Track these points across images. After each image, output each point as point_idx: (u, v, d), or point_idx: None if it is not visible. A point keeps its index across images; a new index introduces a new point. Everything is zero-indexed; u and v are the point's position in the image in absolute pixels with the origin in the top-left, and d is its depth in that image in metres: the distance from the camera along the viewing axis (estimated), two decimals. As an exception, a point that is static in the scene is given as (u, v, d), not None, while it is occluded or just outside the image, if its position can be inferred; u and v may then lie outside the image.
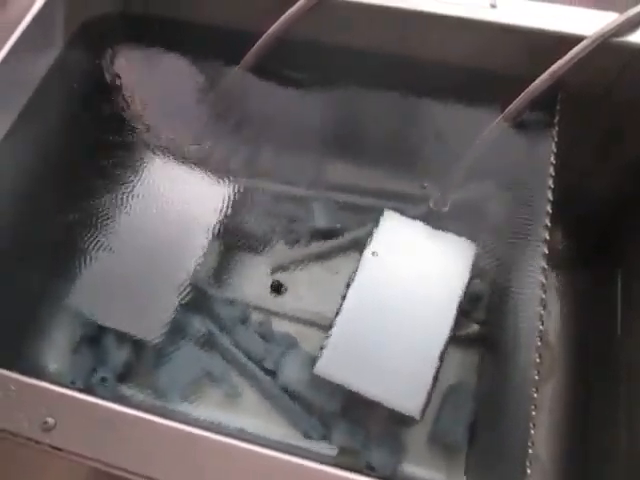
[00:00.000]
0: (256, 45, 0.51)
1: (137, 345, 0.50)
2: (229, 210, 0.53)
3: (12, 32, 0.48)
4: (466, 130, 0.52)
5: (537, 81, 0.46)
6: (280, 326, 0.53)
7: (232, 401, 0.50)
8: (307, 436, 0.48)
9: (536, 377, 0.38)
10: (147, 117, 0.57)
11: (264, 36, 0.51)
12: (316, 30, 0.50)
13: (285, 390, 0.49)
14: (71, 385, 0.49)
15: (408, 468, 0.48)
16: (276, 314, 0.54)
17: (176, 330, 0.50)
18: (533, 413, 0.37)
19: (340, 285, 0.50)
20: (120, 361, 0.50)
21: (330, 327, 0.47)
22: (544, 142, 0.46)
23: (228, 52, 0.53)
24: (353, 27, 0.50)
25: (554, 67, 0.45)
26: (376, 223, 0.52)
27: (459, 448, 0.48)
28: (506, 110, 0.48)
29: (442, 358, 0.46)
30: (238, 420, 0.49)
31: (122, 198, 0.53)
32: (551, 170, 0.44)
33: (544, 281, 0.41)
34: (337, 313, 0.48)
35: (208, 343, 0.51)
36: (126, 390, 0.50)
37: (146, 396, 0.49)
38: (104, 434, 0.34)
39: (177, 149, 0.56)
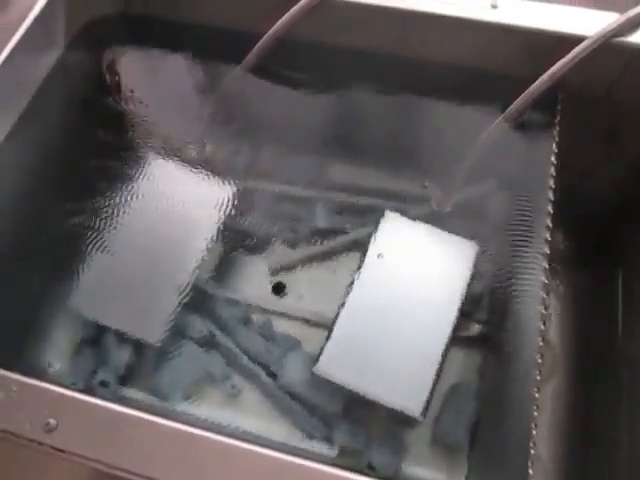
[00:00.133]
0: (257, 46, 0.51)
1: (138, 346, 0.50)
2: (230, 210, 0.53)
3: (13, 33, 0.48)
4: (467, 130, 0.52)
5: (538, 81, 0.46)
6: (281, 326, 0.53)
7: (233, 402, 0.50)
8: (308, 436, 0.48)
9: (538, 377, 0.38)
10: (148, 118, 0.57)
11: (265, 37, 0.51)
12: (317, 30, 0.50)
13: (286, 390, 0.49)
14: (72, 386, 0.49)
15: (409, 468, 0.48)
16: (277, 314, 0.54)
17: (177, 331, 0.50)
18: (535, 413, 0.36)
19: (341, 285, 0.49)
20: (121, 362, 0.49)
21: (331, 327, 0.47)
22: (545, 142, 0.46)
23: (229, 53, 0.53)
24: (354, 27, 0.50)
25: (555, 67, 0.45)
26: (377, 224, 0.52)
27: (460, 448, 0.48)
28: (507, 110, 0.48)
29: (444, 358, 0.46)
30: (239, 420, 0.49)
31: (123, 199, 0.53)
32: (552, 170, 0.44)
33: (546, 281, 0.41)
34: (338, 313, 0.48)
35: (209, 344, 0.51)
36: (127, 391, 0.50)
37: (147, 397, 0.49)
38: (106, 435, 0.34)
39: (178, 150, 0.56)
